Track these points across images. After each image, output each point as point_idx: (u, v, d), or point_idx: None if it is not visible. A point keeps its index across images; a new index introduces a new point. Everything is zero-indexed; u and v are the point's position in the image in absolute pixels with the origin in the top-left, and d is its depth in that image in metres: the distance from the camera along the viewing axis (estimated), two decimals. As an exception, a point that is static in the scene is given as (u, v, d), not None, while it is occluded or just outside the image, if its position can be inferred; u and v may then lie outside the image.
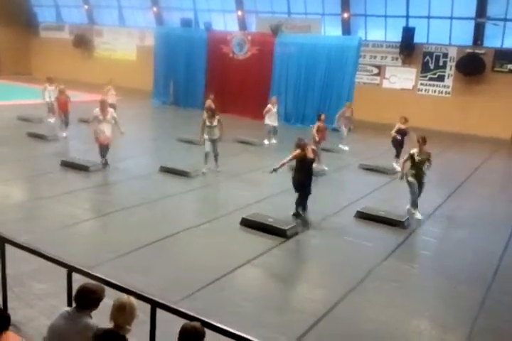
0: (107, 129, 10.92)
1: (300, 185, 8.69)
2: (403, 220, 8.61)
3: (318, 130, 12.34)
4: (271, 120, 15.15)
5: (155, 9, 26.77)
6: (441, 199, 10.45)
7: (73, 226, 7.76)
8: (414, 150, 9.10)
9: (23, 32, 31.18)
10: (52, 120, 15.87)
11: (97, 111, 10.89)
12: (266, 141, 15.26)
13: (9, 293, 4.84)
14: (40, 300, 5.34)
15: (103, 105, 11.02)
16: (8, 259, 4.73)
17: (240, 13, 24.08)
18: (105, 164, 11.07)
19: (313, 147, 9.12)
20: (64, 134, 14.13)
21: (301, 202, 8.74)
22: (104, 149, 11.03)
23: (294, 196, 10.23)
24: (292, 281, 6.56)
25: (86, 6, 29.47)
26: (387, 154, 12.47)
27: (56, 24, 31.40)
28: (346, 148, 15.05)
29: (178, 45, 22.06)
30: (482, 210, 10.01)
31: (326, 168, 12.18)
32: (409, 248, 7.81)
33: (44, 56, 31.26)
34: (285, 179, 11.24)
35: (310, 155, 8.46)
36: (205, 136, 11.10)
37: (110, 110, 11.11)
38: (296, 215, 8.67)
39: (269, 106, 15.27)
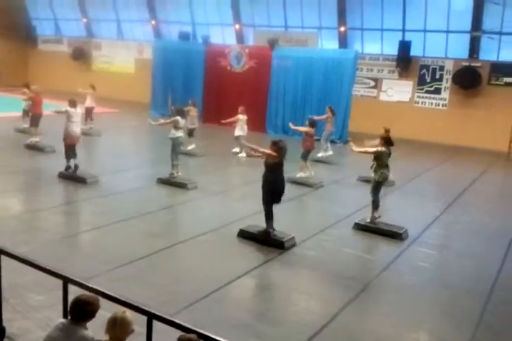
0: (77, 128, 10.79)
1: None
2: (401, 232, 8.60)
3: (307, 135, 11.89)
4: (244, 130, 14.70)
5: (153, 22, 26.98)
6: (438, 212, 10.45)
7: (71, 237, 7.73)
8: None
9: (22, 45, 31.35)
10: (26, 125, 15.32)
11: (70, 109, 10.72)
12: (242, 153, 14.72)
13: (5, 305, 4.80)
14: (36, 312, 5.29)
15: (72, 104, 10.84)
16: (4, 271, 4.70)
17: (237, 26, 24.29)
18: (76, 168, 10.76)
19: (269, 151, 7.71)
20: (37, 139, 13.82)
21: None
22: (72, 149, 10.79)
23: (289, 208, 10.25)
24: (290, 293, 6.52)
25: (85, 20, 29.70)
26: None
27: (55, 37, 31.59)
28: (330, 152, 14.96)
29: (176, 58, 22.18)
30: (480, 222, 10.00)
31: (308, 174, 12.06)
32: (408, 260, 7.78)
33: (43, 69, 31.38)
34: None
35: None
36: None
37: (79, 110, 11.03)
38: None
39: (240, 116, 14.68)
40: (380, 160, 8.70)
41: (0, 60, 29.70)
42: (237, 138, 14.62)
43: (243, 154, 14.45)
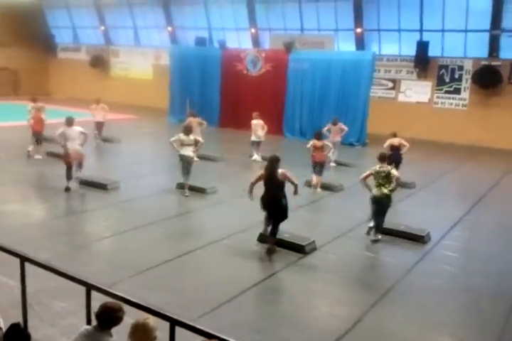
0: (73, 146, 10.43)
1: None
2: (424, 235, 8.49)
3: (315, 148, 11.47)
4: (256, 135, 14.65)
5: (170, 28, 27.17)
6: (461, 213, 10.29)
7: (92, 244, 7.79)
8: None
9: (41, 53, 31.84)
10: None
11: (66, 129, 10.49)
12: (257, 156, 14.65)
13: (30, 312, 4.84)
14: (60, 319, 5.34)
15: (68, 123, 10.55)
16: (29, 277, 4.75)
17: (253, 30, 24.34)
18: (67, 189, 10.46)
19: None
20: (39, 156, 13.47)
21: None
22: (77, 167, 10.59)
23: (311, 211, 10.22)
24: (312, 298, 6.47)
25: (102, 27, 30.04)
26: (404, 168, 12.35)
27: (73, 45, 32.02)
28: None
29: (192, 64, 22.32)
30: (503, 224, 9.82)
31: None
32: (431, 263, 7.67)
33: (62, 77, 31.81)
34: (302, 195, 11.21)
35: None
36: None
37: (76, 128, 10.61)
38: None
39: (253, 121, 14.70)
40: (374, 179, 8.35)
41: (20, 68, 30.22)
42: (252, 143, 14.78)
43: (256, 157, 14.57)
